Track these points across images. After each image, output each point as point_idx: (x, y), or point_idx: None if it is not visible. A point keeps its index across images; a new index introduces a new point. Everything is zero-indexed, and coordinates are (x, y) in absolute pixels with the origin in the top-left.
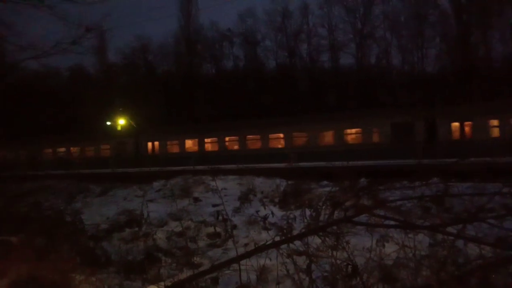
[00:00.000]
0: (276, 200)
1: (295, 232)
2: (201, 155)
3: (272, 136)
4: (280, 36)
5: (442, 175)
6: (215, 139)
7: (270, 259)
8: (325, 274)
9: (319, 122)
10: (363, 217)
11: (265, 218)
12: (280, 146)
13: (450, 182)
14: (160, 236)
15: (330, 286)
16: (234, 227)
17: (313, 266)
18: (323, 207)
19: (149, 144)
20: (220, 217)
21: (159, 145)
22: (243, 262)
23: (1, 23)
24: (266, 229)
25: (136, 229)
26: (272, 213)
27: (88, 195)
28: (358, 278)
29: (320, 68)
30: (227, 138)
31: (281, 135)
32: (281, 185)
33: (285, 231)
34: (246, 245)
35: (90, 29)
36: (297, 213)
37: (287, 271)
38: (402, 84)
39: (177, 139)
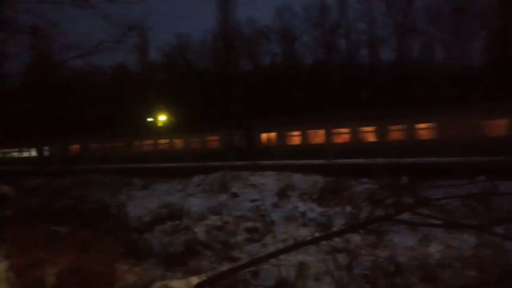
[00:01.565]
0: (314, 196)
1: (334, 229)
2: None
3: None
4: (318, 32)
5: (488, 173)
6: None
7: (310, 255)
8: (366, 272)
9: (359, 118)
10: (405, 215)
11: (304, 214)
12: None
13: (496, 181)
14: (199, 229)
15: (370, 284)
16: (272, 222)
17: (353, 264)
18: (363, 204)
19: (263, 135)
20: (258, 212)
21: (277, 136)
22: (282, 257)
23: (48, 23)
24: (304, 225)
25: (177, 222)
26: (311, 209)
27: (131, 189)
28: (401, 277)
29: (358, 63)
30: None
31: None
32: (319, 181)
33: (324, 227)
34: (284, 240)
35: (132, 28)
36: (336, 210)
37: (327, 267)
38: (444, 79)
39: (299, 129)
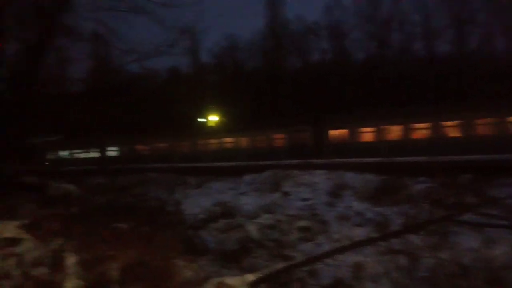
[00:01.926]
0: (368, 196)
1: (390, 230)
2: None
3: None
4: (369, 26)
5: None
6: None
7: (366, 256)
8: (426, 274)
9: (414, 114)
10: (467, 216)
11: (358, 213)
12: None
13: None
14: (252, 227)
15: (433, 287)
16: (325, 222)
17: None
18: (422, 204)
19: (333, 132)
20: (311, 211)
21: (349, 133)
22: (337, 257)
23: (107, 29)
24: (359, 225)
25: (230, 220)
26: (366, 209)
27: (186, 187)
28: (465, 280)
29: (412, 57)
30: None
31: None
32: (373, 180)
33: (380, 228)
34: (337, 240)
35: (185, 31)
36: (392, 210)
37: (386, 269)
38: (507, 72)
39: (373, 125)
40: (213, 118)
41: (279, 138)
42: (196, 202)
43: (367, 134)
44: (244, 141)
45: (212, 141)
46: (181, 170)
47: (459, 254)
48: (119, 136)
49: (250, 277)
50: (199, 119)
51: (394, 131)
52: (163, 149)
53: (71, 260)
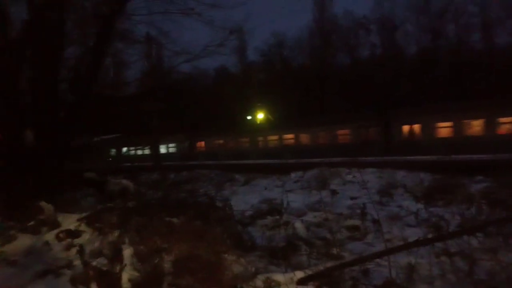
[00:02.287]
0: (421, 195)
1: (445, 231)
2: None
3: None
4: (422, 18)
5: None
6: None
7: (420, 257)
8: (485, 278)
9: (469, 109)
10: None
11: (409, 213)
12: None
13: None
14: (299, 225)
15: None
16: (375, 221)
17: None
18: (480, 204)
19: (406, 127)
20: (359, 210)
21: (422, 128)
22: (389, 257)
23: (160, 32)
24: (414, 225)
25: (277, 217)
26: (418, 208)
27: (234, 184)
28: None
29: (469, 49)
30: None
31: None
32: (425, 179)
33: (434, 228)
34: (388, 240)
35: (233, 31)
36: (447, 210)
37: (440, 271)
38: None
39: (451, 120)
40: (260, 116)
41: (343, 134)
42: (243, 199)
43: (444, 129)
44: (305, 138)
45: (271, 138)
46: (229, 167)
47: None
48: (173, 134)
49: (298, 274)
50: (247, 117)
51: (475, 126)
52: (214, 146)
53: (127, 251)
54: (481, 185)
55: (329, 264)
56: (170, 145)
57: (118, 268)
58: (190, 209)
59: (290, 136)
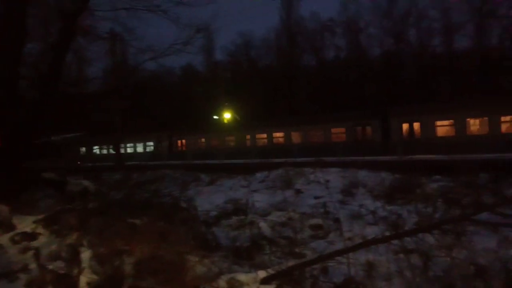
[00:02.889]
0: (382, 194)
1: (404, 229)
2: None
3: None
4: (386, 22)
5: None
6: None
7: (379, 255)
8: (441, 274)
9: (432, 110)
10: (484, 215)
11: (370, 212)
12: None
13: None
14: (264, 225)
15: (446, 287)
16: (337, 220)
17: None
18: (437, 203)
19: (405, 125)
20: (323, 209)
21: (421, 126)
22: (349, 255)
23: (124, 29)
24: (373, 223)
25: (242, 217)
26: (378, 207)
27: (199, 184)
28: (481, 281)
29: (431, 53)
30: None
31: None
32: (386, 178)
33: (393, 226)
34: (349, 239)
35: (200, 29)
36: (406, 209)
37: (399, 268)
38: None
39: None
40: (227, 115)
41: (338, 133)
42: (209, 199)
43: (444, 127)
44: (296, 136)
45: (259, 136)
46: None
47: (475, 254)
48: (137, 133)
49: (261, 274)
50: (213, 116)
51: (475, 125)
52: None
53: (86, 254)
54: (438, 184)
55: (292, 262)
56: (148, 143)
57: (76, 271)
58: (154, 210)
59: (280, 134)
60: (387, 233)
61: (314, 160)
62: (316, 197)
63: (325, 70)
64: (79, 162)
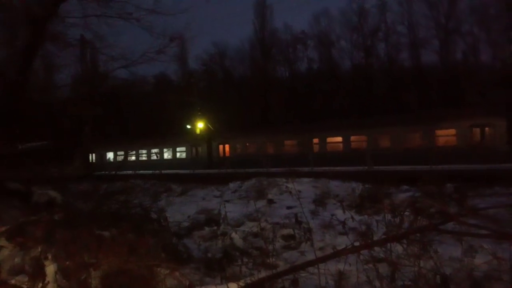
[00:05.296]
0: (353, 204)
1: (374, 238)
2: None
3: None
4: (356, 36)
5: None
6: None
7: (349, 265)
8: (409, 283)
9: (399, 123)
10: (450, 225)
11: (344, 222)
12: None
13: None
14: (236, 236)
15: None
16: (309, 230)
17: (395, 274)
18: (405, 213)
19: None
20: (295, 220)
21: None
22: (321, 266)
23: (95, 35)
24: (344, 233)
25: (215, 228)
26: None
27: (170, 195)
28: None
29: (399, 67)
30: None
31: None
32: (357, 189)
33: (364, 236)
34: (321, 249)
35: (173, 38)
36: (376, 218)
37: (368, 277)
38: (492, 81)
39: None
40: (200, 125)
41: (446, 135)
42: (180, 210)
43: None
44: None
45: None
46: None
47: (441, 263)
48: (107, 143)
49: (233, 286)
50: (187, 126)
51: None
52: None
53: (51, 268)
54: (406, 195)
55: (264, 274)
56: (179, 149)
57: (39, 285)
58: (123, 221)
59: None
60: (357, 243)
61: (287, 170)
62: (288, 207)
63: (298, 82)
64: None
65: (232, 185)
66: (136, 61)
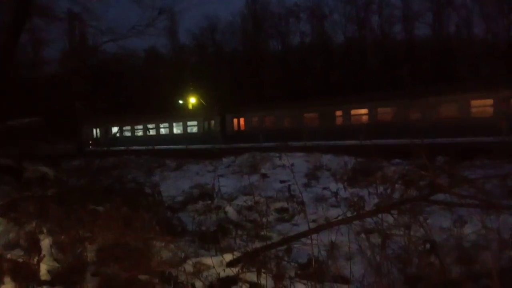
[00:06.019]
0: (345, 177)
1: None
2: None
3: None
4: (349, 8)
5: None
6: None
7: (341, 235)
8: (399, 251)
9: (390, 97)
10: (439, 196)
11: (336, 194)
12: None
13: None
14: (230, 209)
15: (404, 264)
16: (302, 203)
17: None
18: (396, 185)
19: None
20: (288, 193)
21: None
22: (313, 236)
23: (83, 8)
24: (336, 205)
25: (209, 202)
26: (342, 189)
27: (164, 170)
28: (435, 257)
29: (392, 40)
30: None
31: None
32: (349, 162)
33: (356, 208)
34: (313, 221)
35: (162, 11)
36: (367, 191)
37: (360, 247)
38: (485, 55)
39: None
40: (193, 100)
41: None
42: (174, 184)
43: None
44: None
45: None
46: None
47: (431, 232)
48: (98, 118)
49: (227, 257)
50: (178, 101)
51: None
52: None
53: (46, 242)
54: (398, 167)
55: (258, 245)
56: (190, 123)
57: (35, 259)
58: (117, 196)
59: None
60: (349, 214)
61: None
62: (281, 181)
63: (291, 56)
64: (90, 146)
65: (225, 160)
66: (125, 35)
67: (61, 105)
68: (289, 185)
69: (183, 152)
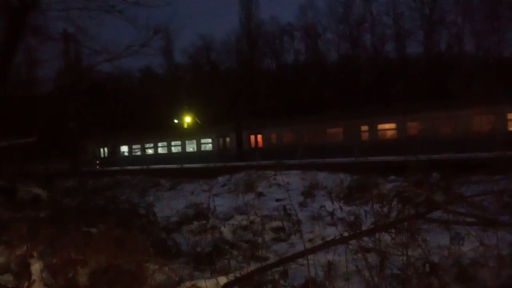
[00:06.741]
0: (341, 195)
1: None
2: None
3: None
4: (342, 27)
5: None
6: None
7: (338, 255)
8: (397, 272)
9: (383, 114)
10: (436, 214)
11: (332, 213)
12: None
13: None
14: (225, 229)
15: (403, 285)
16: (298, 222)
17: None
18: (393, 202)
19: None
20: (284, 212)
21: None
22: (310, 256)
23: (78, 29)
24: (333, 224)
25: (204, 222)
26: (341, 207)
27: (159, 189)
28: (434, 277)
29: (385, 58)
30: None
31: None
32: (345, 180)
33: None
34: (310, 240)
35: (157, 31)
36: (364, 209)
37: (357, 267)
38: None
39: None
40: (188, 120)
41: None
42: (169, 204)
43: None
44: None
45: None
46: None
47: (429, 251)
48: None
49: (223, 280)
50: (174, 120)
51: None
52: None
53: (37, 266)
54: (393, 184)
55: (254, 266)
56: (204, 140)
57: (25, 284)
58: (111, 217)
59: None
60: (346, 234)
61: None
62: (277, 200)
63: (285, 74)
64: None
65: (221, 179)
66: (120, 54)
67: (56, 124)
68: (287, 204)
69: (178, 171)
